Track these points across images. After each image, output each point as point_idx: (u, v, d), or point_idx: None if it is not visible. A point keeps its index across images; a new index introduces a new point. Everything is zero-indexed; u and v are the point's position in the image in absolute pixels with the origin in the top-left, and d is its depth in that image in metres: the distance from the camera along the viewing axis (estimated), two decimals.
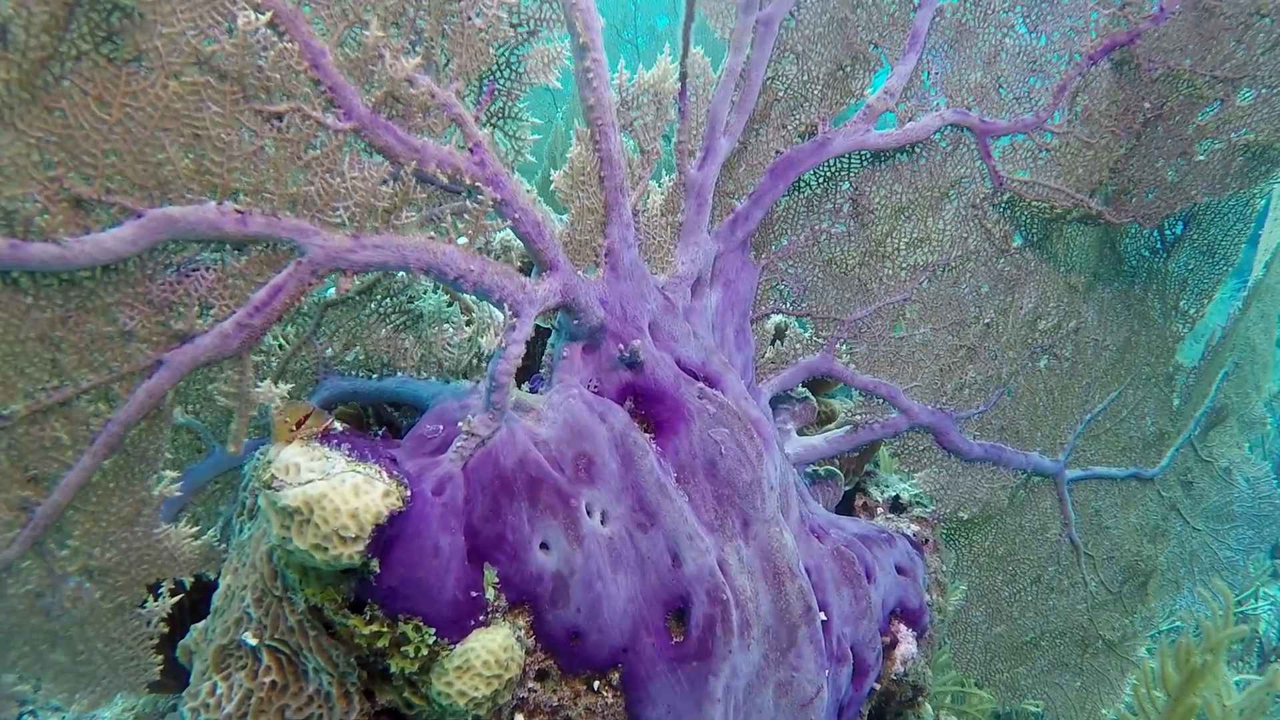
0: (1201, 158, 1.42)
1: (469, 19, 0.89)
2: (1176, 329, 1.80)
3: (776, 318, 1.44)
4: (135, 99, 0.76)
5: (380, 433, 1.11)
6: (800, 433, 1.51)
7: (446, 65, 0.90)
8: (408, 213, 0.89)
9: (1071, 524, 1.73)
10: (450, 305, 1.12)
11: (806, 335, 1.43)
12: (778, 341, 1.44)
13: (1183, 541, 1.97)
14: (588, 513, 1.04)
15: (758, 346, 1.41)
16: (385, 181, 0.87)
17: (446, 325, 1.08)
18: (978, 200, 1.40)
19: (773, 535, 1.15)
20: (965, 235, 1.42)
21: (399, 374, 1.11)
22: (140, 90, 0.76)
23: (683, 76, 1.15)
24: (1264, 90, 1.35)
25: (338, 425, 0.98)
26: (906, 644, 1.34)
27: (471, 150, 0.93)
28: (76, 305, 0.79)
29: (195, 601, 1.07)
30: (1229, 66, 1.33)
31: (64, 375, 0.80)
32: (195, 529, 0.93)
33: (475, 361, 1.10)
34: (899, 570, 1.37)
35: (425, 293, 1.10)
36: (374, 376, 1.11)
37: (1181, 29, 1.31)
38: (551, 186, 1.03)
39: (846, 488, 1.60)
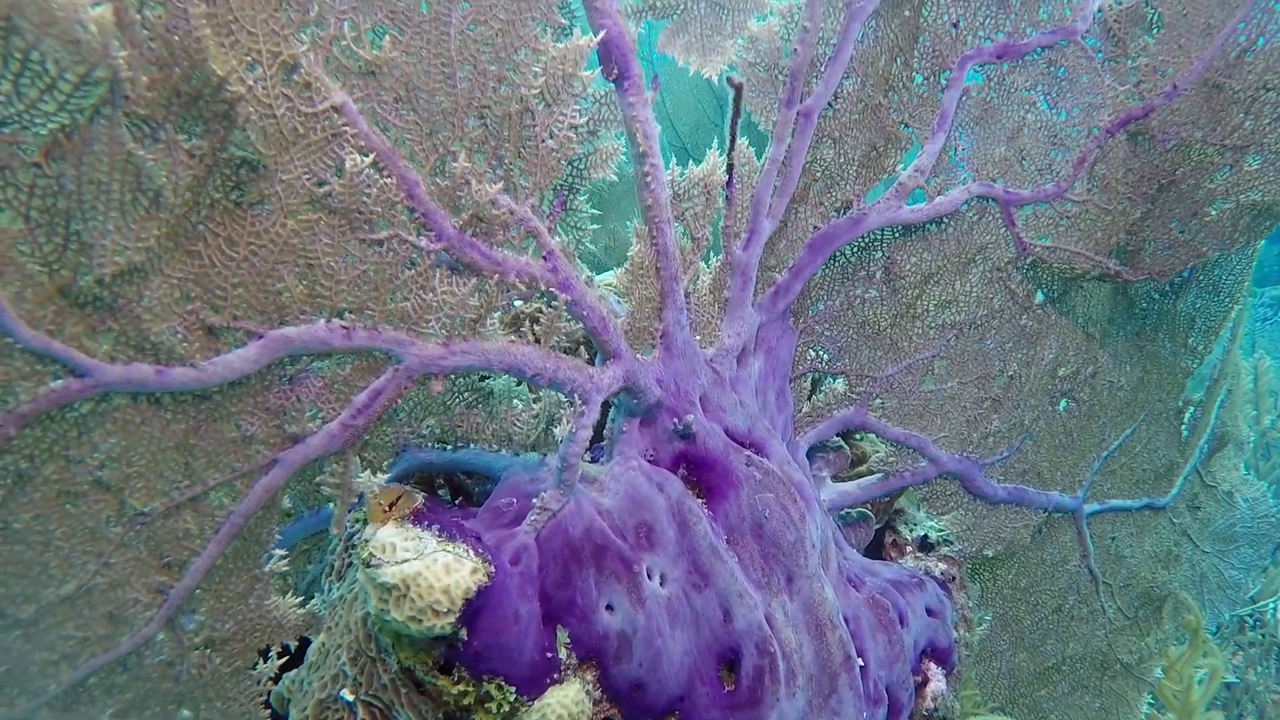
0: (1212, 217, 1.50)
1: (543, 141, 0.99)
2: (1186, 364, 1.88)
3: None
4: (259, 237, 0.86)
5: (457, 502, 1.21)
6: (835, 478, 1.61)
7: (522, 182, 1.00)
8: (491, 318, 0.99)
9: (1090, 555, 1.82)
10: (519, 384, 1.22)
11: (841, 390, 1.52)
12: (814, 396, 1.53)
13: (1193, 564, 2.06)
14: (648, 576, 1.14)
15: (796, 401, 1.51)
16: (471, 294, 0.97)
17: (516, 401, 1.18)
18: (1002, 264, 1.49)
19: (815, 590, 1.25)
20: (990, 296, 1.51)
21: (472, 446, 1.21)
22: (263, 230, 0.86)
23: (729, 168, 1.25)
24: (1271, 155, 1.43)
25: (419, 496, 1.09)
26: (936, 681, 1.44)
27: (545, 258, 1.03)
28: (207, 416, 0.89)
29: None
30: (1238, 136, 1.41)
31: (195, 475, 0.91)
32: (299, 599, 1.04)
33: (543, 434, 1.20)
34: (929, 612, 1.46)
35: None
36: (448, 448, 1.21)
37: (1193, 104, 1.40)
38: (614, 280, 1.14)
39: (877, 526, 1.70)
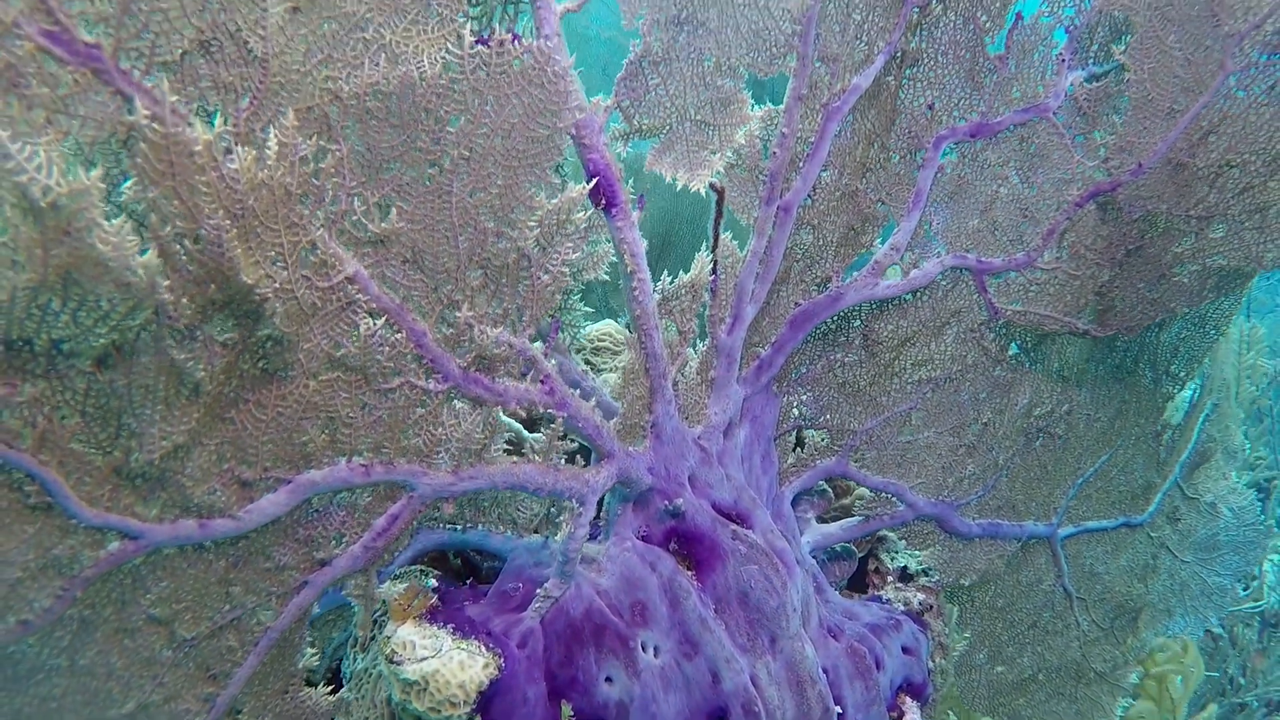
0: (1179, 279, 1.58)
1: (539, 278, 1.08)
2: (1167, 390, 1.97)
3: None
4: (284, 399, 0.96)
5: (468, 581, 1.33)
6: (819, 519, 1.72)
7: (520, 317, 1.09)
8: (495, 444, 1.10)
9: (1065, 575, 1.94)
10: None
11: (823, 442, 1.63)
12: (798, 449, 1.64)
13: (1172, 574, 2.18)
14: (643, 649, 1.26)
15: (781, 453, 1.62)
16: (476, 427, 1.07)
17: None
18: (975, 325, 1.58)
19: (796, 649, 1.37)
20: (965, 353, 1.60)
21: (480, 527, 1.32)
22: (288, 392, 0.96)
23: (714, 263, 1.34)
24: (1235, 224, 1.51)
25: (433, 584, 1.21)
26: (911, 714, 1.57)
27: (542, 382, 1.13)
28: (244, 553, 1.00)
29: None
30: (1202, 207, 1.49)
31: (235, 601, 1.02)
32: (329, 689, 1.17)
33: (544, 519, 1.31)
34: (905, 650, 1.59)
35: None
36: (459, 528, 1.32)
37: (1159, 179, 1.47)
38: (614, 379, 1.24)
39: (861, 555, 1.82)
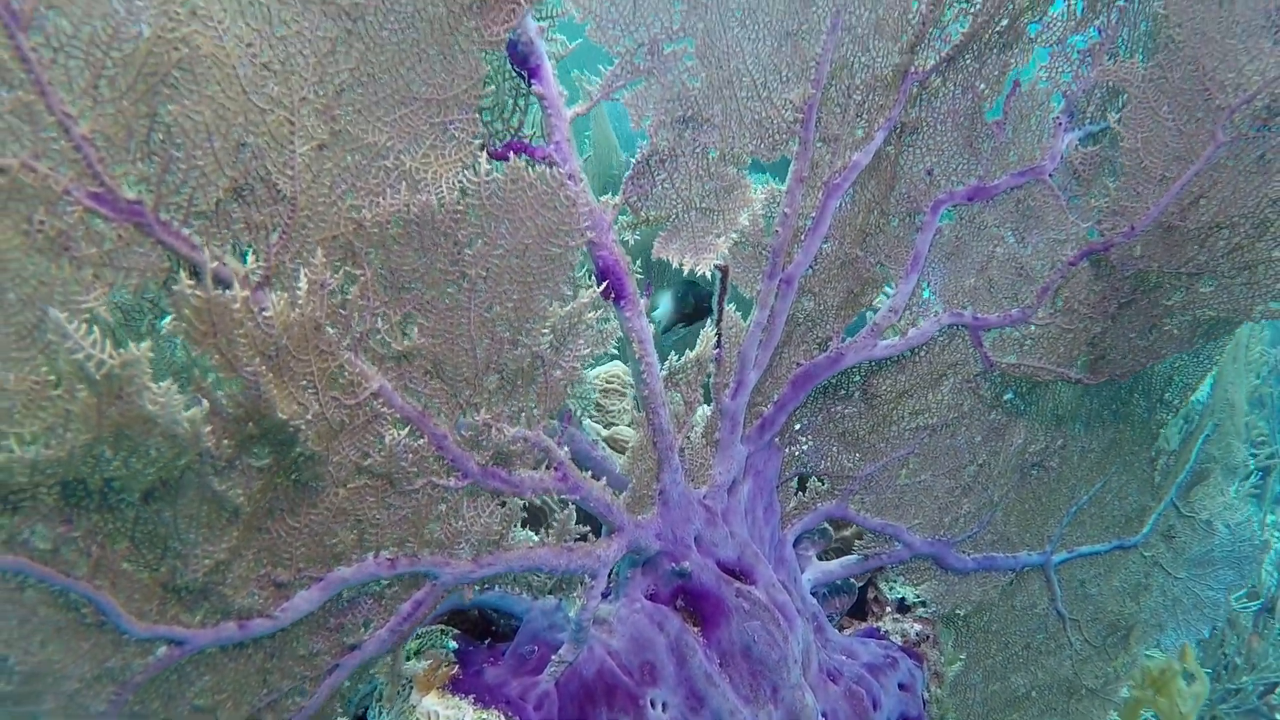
0: (1169, 329, 1.64)
1: (553, 374, 1.14)
2: (1161, 417, 2.03)
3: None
4: (315, 507, 1.03)
5: (486, 641, 1.40)
6: (820, 556, 1.79)
7: (535, 411, 1.16)
8: (512, 533, 1.16)
9: (1058, 599, 2.01)
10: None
11: (824, 487, 1.69)
12: (800, 492, 1.70)
13: (1165, 591, 2.25)
14: (652, 705, 1.34)
15: (783, 497, 1.68)
16: (494, 518, 1.14)
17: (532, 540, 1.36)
18: (971, 376, 1.63)
19: (797, 698, 1.45)
20: (960, 402, 1.66)
21: (497, 589, 1.40)
22: (319, 501, 1.03)
23: (718, 335, 1.39)
24: (1224, 280, 1.55)
25: (452, 643, 1.28)
26: None
27: (556, 469, 1.19)
28: (280, 645, 1.08)
29: None
30: (1192, 265, 1.53)
31: (271, 686, 1.10)
32: None
33: (557, 583, 1.38)
34: (901, 687, 1.67)
35: (519, 528, 1.37)
36: (479, 590, 1.40)
37: (1150, 240, 1.51)
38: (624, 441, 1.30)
39: (860, 584, 1.89)
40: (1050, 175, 1.52)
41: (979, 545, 1.82)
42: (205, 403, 0.86)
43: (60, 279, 0.85)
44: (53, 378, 0.84)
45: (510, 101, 1.24)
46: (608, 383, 1.83)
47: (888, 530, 1.72)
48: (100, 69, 0.84)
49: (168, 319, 0.93)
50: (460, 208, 1.01)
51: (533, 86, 1.13)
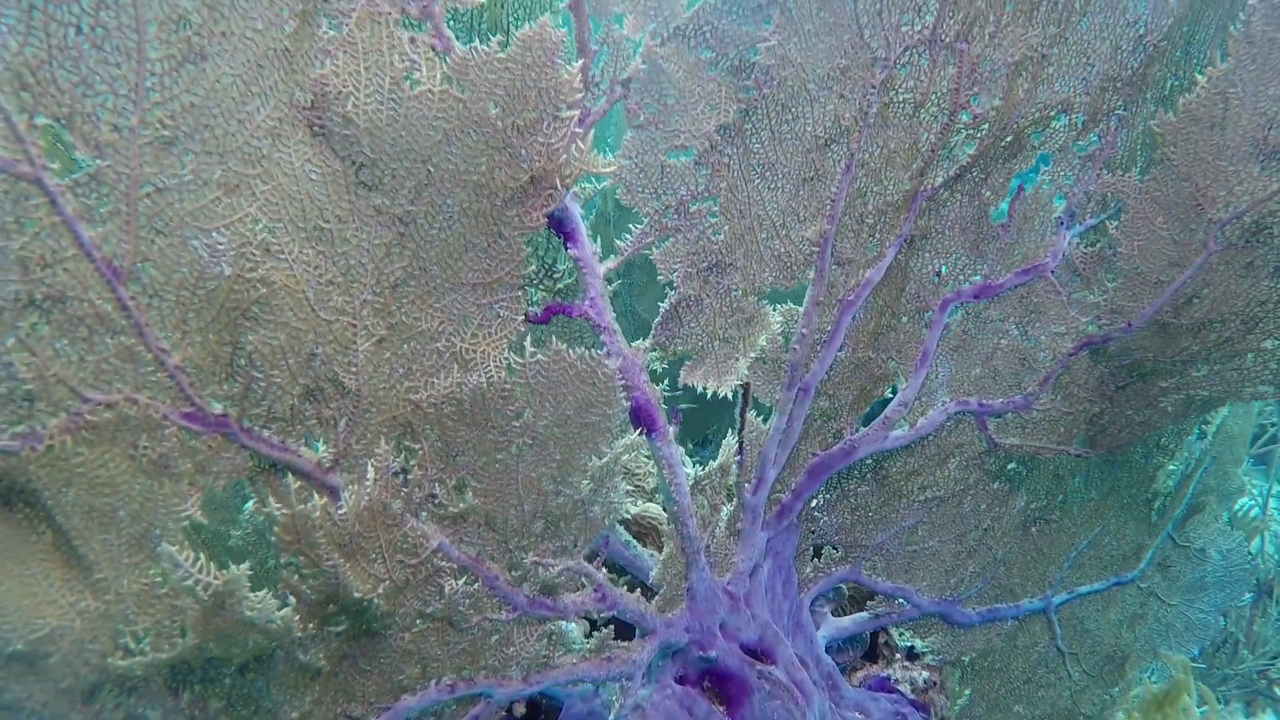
0: (1165, 405, 1.73)
1: (592, 512, 1.25)
2: (1158, 461, 2.13)
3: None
4: (384, 651, 1.15)
5: None
6: (834, 613, 1.92)
7: (576, 543, 1.27)
8: (559, 653, 1.28)
9: (1058, 637, 2.14)
10: (584, 638, 1.51)
11: (838, 554, 1.81)
12: (816, 559, 1.82)
13: (1159, 617, 2.37)
14: None
15: (799, 563, 1.80)
16: (541, 644, 1.26)
17: (575, 648, 1.48)
18: (976, 454, 1.74)
19: None
20: (966, 476, 1.76)
21: None
22: (387, 645, 1.15)
23: (740, 442, 1.50)
24: (1216, 366, 1.65)
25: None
26: None
27: (595, 589, 1.31)
28: None
29: None
30: (1186, 354, 1.62)
31: None
32: None
33: None
34: None
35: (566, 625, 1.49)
36: None
37: (1147, 335, 1.60)
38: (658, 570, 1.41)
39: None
40: (1052, 272, 1.61)
41: (983, 599, 1.94)
42: (292, 598, 0.97)
43: (162, 494, 0.95)
44: (160, 579, 0.95)
45: (547, 267, 1.34)
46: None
47: (898, 593, 1.84)
48: (188, 307, 0.94)
49: (250, 505, 1.04)
50: (508, 386, 1.11)
51: (569, 249, 1.22)
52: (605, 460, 1.20)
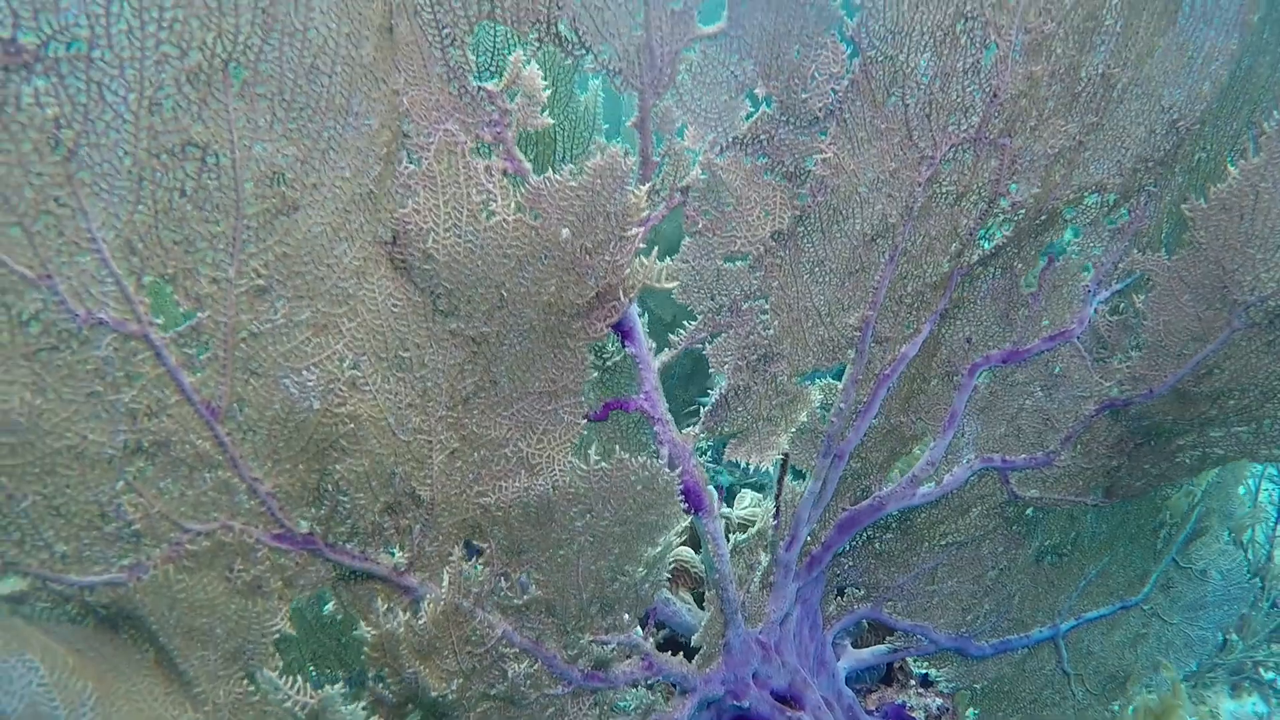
0: (1181, 460, 1.80)
1: (643, 589, 1.32)
2: (1166, 492, 2.21)
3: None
4: None
5: None
6: (854, 644, 2.00)
7: (626, 618, 1.33)
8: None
9: (1064, 661, 2.23)
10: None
11: (860, 594, 1.88)
12: (839, 597, 1.89)
13: (1160, 636, 2.47)
14: None
15: (824, 601, 1.87)
16: (593, 714, 1.33)
17: (620, 705, 1.56)
18: (997, 504, 1.80)
19: None
20: (986, 523, 1.83)
21: None
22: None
23: (777, 505, 1.56)
24: (1234, 429, 1.71)
25: None
26: None
27: (643, 659, 1.38)
28: None
29: None
30: (1204, 418, 1.69)
31: None
32: None
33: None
34: None
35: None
36: None
37: (1167, 400, 1.66)
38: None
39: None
40: (1078, 337, 1.66)
41: (996, 632, 2.03)
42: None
43: (255, 611, 1.01)
44: (252, 689, 1.01)
45: (597, 350, 1.38)
46: None
47: (917, 630, 1.92)
48: (279, 440, 0.99)
49: (329, 604, 1.10)
50: (572, 491, 1.16)
51: (626, 347, 1.26)
52: (659, 549, 1.26)
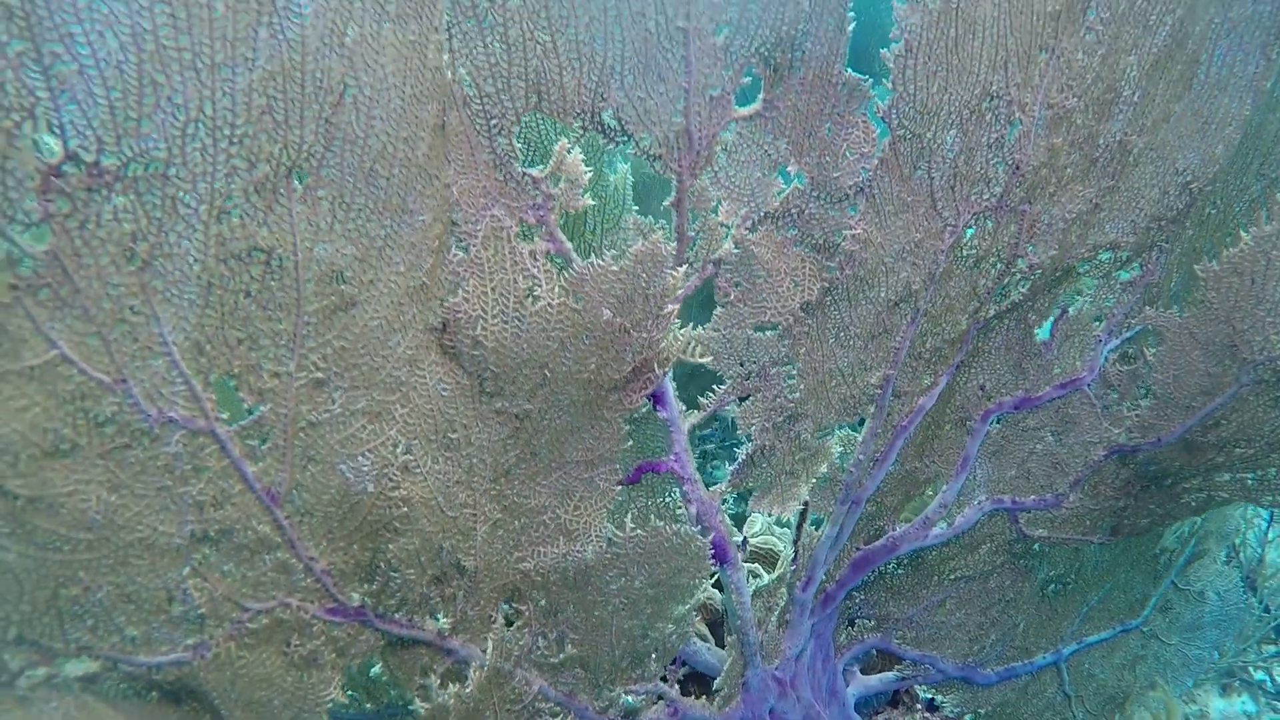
0: (1186, 501, 1.85)
1: (670, 640, 1.37)
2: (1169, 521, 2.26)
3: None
4: None
5: None
6: (863, 670, 2.06)
7: (655, 668, 1.38)
8: None
9: (1065, 684, 2.29)
10: None
11: (870, 625, 1.94)
12: (850, 627, 1.95)
13: (1158, 656, 2.53)
14: None
15: (835, 631, 1.93)
16: None
17: None
18: (1006, 541, 1.86)
19: None
20: (995, 559, 1.89)
21: None
22: None
23: (795, 550, 1.61)
24: (1239, 475, 1.76)
25: None
26: None
27: (668, 705, 1.43)
28: None
29: None
30: (1211, 464, 1.74)
31: None
32: None
33: None
34: None
35: None
36: None
37: (1174, 448, 1.71)
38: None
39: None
40: (1088, 385, 1.71)
41: (1002, 660, 2.08)
42: None
43: (310, 683, 1.06)
44: None
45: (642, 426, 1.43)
46: None
47: (925, 660, 1.98)
48: (334, 521, 1.03)
49: (376, 667, 1.14)
50: (608, 557, 1.21)
51: (658, 411, 1.31)
52: (689, 606, 1.31)
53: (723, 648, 1.69)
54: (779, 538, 2.11)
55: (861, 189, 1.26)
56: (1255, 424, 1.63)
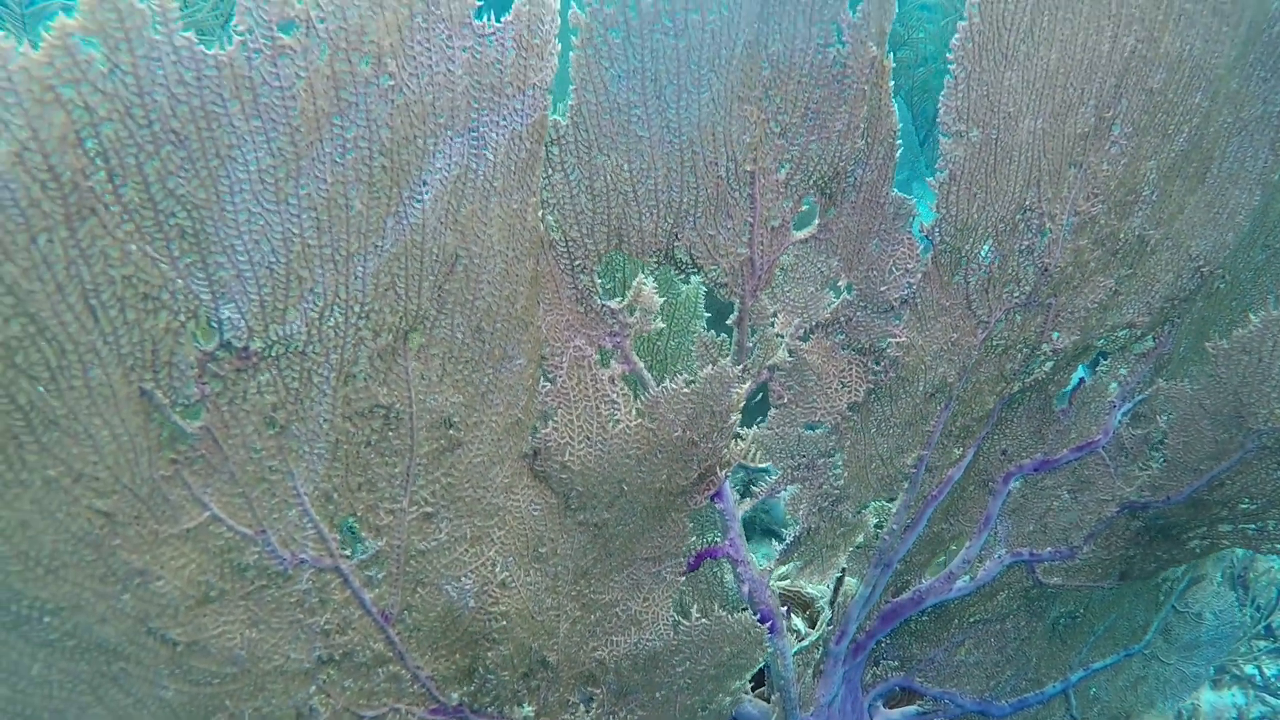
0: (1191, 546, 1.97)
1: (723, 704, 1.48)
2: None
3: None
4: None
5: None
6: (886, 706, 2.18)
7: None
8: None
9: (1073, 707, 2.42)
10: None
11: (894, 664, 2.06)
12: (875, 667, 2.07)
13: (1158, 675, 2.67)
14: None
15: (861, 675, 2.05)
16: None
17: None
18: (1022, 589, 1.98)
19: None
20: (1012, 604, 2.01)
21: None
22: None
23: (832, 606, 1.72)
24: (1242, 527, 1.88)
25: None
26: None
27: None
28: None
29: None
30: (1216, 517, 1.86)
31: None
32: None
33: None
34: None
35: None
36: None
37: (1182, 505, 1.83)
38: None
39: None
40: (1103, 447, 1.82)
41: (1015, 692, 2.21)
42: None
43: None
44: None
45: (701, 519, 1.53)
46: None
47: (945, 696, 2.10)
48: (439, 634, 1.13)
49: None
50: (674, 643, 1.31)
51: (715, 503, 1.41)
52: (746, 680, 1.42)
53: (759, 693, 1.81)
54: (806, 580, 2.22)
55: (906, 300, 1.36)
56: (1258, 484, 1.75)
